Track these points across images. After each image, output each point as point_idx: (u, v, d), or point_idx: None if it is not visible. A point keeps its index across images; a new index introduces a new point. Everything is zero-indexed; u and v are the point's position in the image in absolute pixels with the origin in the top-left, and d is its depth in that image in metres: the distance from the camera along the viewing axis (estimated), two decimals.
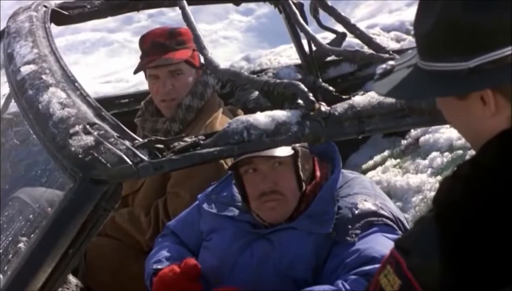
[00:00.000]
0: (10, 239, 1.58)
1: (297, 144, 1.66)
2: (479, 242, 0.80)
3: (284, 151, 1.66)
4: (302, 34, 2.38)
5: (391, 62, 0.97)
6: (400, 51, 3.52)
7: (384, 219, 1.65)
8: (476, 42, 0.83)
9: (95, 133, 1.29)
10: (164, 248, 1.84)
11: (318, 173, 1.77)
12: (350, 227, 1.62)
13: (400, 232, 1.66)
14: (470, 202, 0.83)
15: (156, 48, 2.22)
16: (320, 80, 2.76)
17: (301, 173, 1.71)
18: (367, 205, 1.67)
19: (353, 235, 1.61)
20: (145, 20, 7.67)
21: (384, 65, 0.96)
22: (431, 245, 0.83)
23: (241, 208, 1.79)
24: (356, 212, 1.65)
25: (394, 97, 0.95)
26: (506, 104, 0.85)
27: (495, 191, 0.81)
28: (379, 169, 3.12)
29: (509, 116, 0.86)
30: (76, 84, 1.50)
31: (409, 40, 4.79)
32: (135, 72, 2.29)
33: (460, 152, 2.85)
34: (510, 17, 0.81)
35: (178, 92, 2.26)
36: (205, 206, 1.85)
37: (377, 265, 1.49)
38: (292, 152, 1.69)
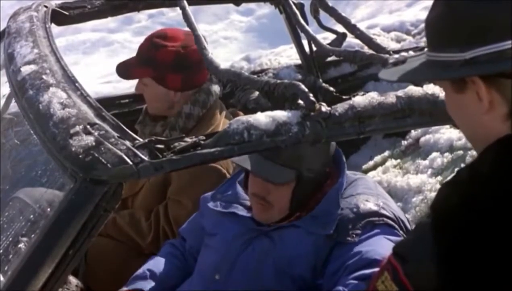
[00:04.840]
0: (10, 239, 1.57)
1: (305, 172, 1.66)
2: (473, 249, 0.80)
3: (281, 176, 1.65)
4: (302, 35, 2.38)
5: (406, 54, 0.98)
6: (400, 52, 3.54)
7: (385, 219, 1.65)
8: (473, 35, 0.84)
9: (96, 133, 1.29)
10: (149, 265, 1.90)
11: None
12: (351, 227, 1.62)
13: (401, 233, 1.66)
14: (466, 209, 0.82)
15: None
16: (321, 80, 2.76)
17: (295, 199, 1.70)
18: (368, 205, 1.67)
19: (354, 235, 1.61)
20: (145, 20, 7.67)
21: (397, 56, 0.98)
22: (427, 252, 0.83)
23: (245, 205, 1.80)
24: (357, 212, 1.65)
25: (391, 79, 0.97)
26: (502, 102, 0.85)
27: (491, 199, 0.81)
28: (380, 169, 3.12)
29: (504, 115, 0.85)
30: (77, 84, 1.50)
31: (409, 41, 4.79)
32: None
33: (461, 152, 2.85)
34: (508, 12, 0.81)
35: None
36: (210, 204, 1.86)
37: (378, 268, 1.50)
38: (292, 179, 1.67)
